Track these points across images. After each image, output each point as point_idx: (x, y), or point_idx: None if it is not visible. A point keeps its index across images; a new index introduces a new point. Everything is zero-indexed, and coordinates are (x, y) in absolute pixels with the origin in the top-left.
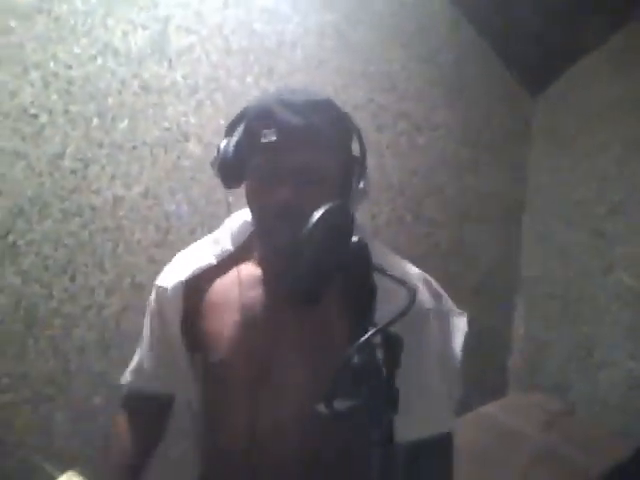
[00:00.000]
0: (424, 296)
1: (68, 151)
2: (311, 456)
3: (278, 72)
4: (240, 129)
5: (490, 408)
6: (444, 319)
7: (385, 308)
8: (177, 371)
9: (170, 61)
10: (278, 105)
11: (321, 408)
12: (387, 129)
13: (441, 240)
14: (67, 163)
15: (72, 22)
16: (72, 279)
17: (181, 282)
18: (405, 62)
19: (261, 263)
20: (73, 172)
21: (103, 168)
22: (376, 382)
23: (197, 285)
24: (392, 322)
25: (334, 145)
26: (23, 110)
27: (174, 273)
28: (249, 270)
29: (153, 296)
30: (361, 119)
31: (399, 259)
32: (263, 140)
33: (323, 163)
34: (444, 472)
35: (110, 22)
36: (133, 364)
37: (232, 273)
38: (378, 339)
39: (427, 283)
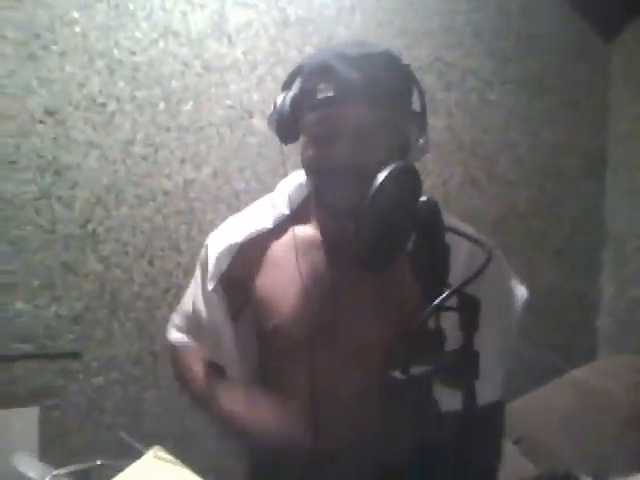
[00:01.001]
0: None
1: (138, 137)
2: (381, 425)
3: (337, 39)
4: (296, 84)
5: (580, 372)
6: (504, 283)
7: (458, 269)
8: (216, 337)
9: (230, 38)
10: (335, 59)
11: (397, 374)
12: (455, 87)
13: (519, 200)
14: (138, 149)
15: (131, 8)
16: (150, 263)
17: (235, 244)
18: (470, 15)
19: (320, 226)
20: (144, 158)
21: (172, 152)
22: (453, 346)
23: (253, 248)
24: (468, 282)
25: (393, 99)
26: (92, 100)
27: (228, 235)
28: (307, 234)
29: (202, 254)
30: (427, 79)
31: (463, 224)
32: (320, 95)
33: (382, 118)
34: (495, 440)
35: (168, 4)
36: (177, 321)
37: (289, 237)
38: (454, 301)
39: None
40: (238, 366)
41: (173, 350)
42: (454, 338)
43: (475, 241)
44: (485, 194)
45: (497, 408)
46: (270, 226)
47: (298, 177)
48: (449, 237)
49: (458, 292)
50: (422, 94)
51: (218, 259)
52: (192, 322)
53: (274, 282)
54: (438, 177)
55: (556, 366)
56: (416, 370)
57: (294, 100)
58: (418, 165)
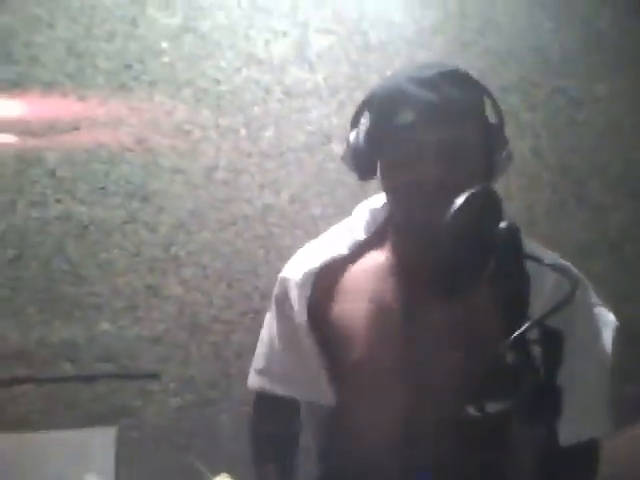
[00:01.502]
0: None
1: (220, 163)
2: (457, 461)
3: (419, 61)
4: (366, 118)
5: None
6: (592, 312)
7: (539, 300)
8: (306, 371)
9: (311, 64)
10: (407, 83)
11: (471, 410)
12: (541, 107)
13: (610, 225)
14: (220, 175)
15: (217, 37)
16: (229, 286)
17: (311, 272)
18: (556, 34)
19: (397, 252)
20: (226, 183)
21: (253, 177)
22: (534, 381)
23: (328, 276)
24: (550, 314)
25: (471, 116)
26: (178, 127)
27: (302, 263)
28: (384, 259)
29: (277, 290)
30: (512, 99)
31: (547, 251)
32: (399, 121)
33: (463, 136)
34: None
35: (252, 33)
36: (258, 365)
37: (366, 263)
38: (535, 334)
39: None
40: (334, 400)
41: (255, 399)
42: (537, 373)
43: (559, 270)
44: (574, 218)
45: (589, 449)
46: (345, 252)
47: (375, 202)
48: (531, 265)
49: (539, 324)
50: (497, 106)
51: (300, 289)
52: (275, 362)
53: (350, 313)
54: (523, 201)
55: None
56: (492, 407)
57: (368, 133)
58: (503, 188)
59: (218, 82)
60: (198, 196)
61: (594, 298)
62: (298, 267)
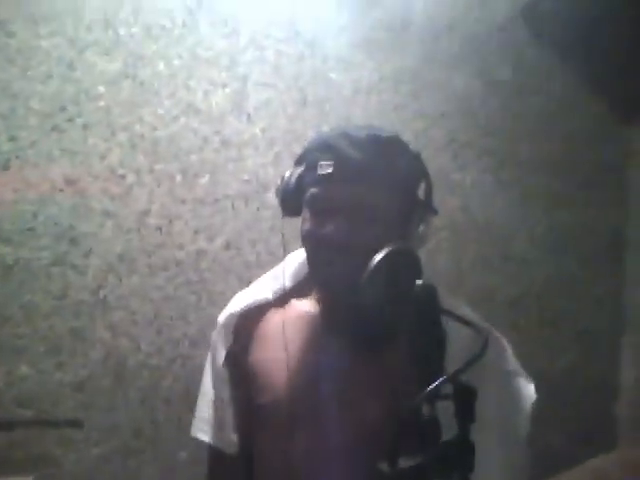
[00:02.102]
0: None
1: (154, 208)
2: None
3: (354, 120)
4: (303, 161)
5: (599, 462)
6: (508, 380)
7: (455, 356)
8: (216, 416)
9: (249, 116)
10: (338, 138)
11: (383, 466)
12: (470, 167)
13: (535, 280)
14: (153, 220)
15: (156, 85)
16: (158, 332)
17: (232, 315)
18: (486, 97)
19: (318, 302)
20: (158, 228)
21: (186, 223)
22: (446, 437)
23: (251, 320)
24: (463, 369)
25: (395, 184)
26: (112, 171)
27: (230, 307)
28: (306, 308)
29: (214, 332)
30: (442, 159)
31: (465, 306)
32: (320, 171)
33: (381, 201)
34: None
35: (192, 83)
36: (198, 413)
37: (288, 311)
38: (449, 390)
39: (493, 337)
40: (236, 448)
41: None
42: (451, 429)
43: (472, 327)
44: (500, 273)
45: None
46: (269, 299)
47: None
48: (448, 322)
49: (453, 380)
50: (429, 182)
51: (223, 332)
52: (201, 406)
53: (269, 358)
54: (452, 256)
55: (573, 454)
56: (405, 462)
57: (299, 175)
58: (433, 243)
59: (155, 128)
60: (129, 240)
61: (513, 365)
62: (226, 311)
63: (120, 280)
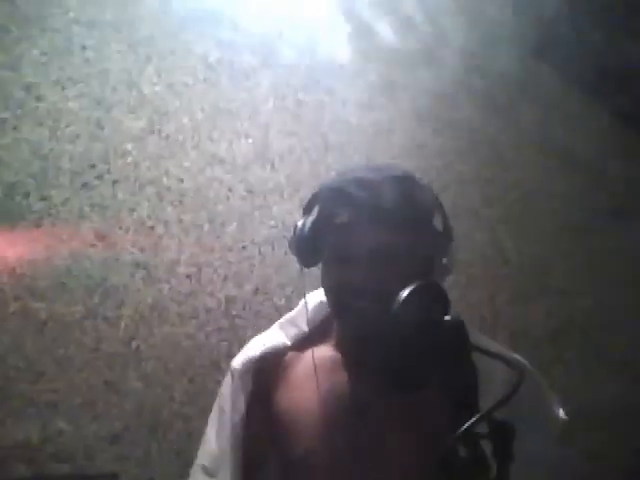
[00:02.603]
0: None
1: (183, 258)
2: None
3: (376, 161)
4: (316, 209)
5: None
6: (538, 409)
7: (489, 392)
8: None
9: (272, 164)
10: (352, 184)
11: None
12: (498, 202)
13: (575, 312)
14: (182, 269)
15: (181, 139)
16: (191, 381)
17: (250, 361)
18: (511, 131)
19: (341, 346)
20: (188, 277)
21: (215, 270)
22: (484, 477)
23: (269, 367)
24: (496, 407)
25: (413, 221)
26: (141, 223)
27: (246, 353)
28: (328, 353)
29: (225, 379)
30: (469, 195)
31: (494, 343)
32: (336, 221)
33: (401, 240)
34: None
35: (215, 135)
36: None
37: (309, 356)
38: (485, 428)
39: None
40: None
41: None
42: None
43: (505, 361)
44: (539, 306)
45: None
46: (288, 343)
47: (320, 294)
48: (479, 358)
49: (487, 418)
50: (444, 214)
51: (242, 378)
52: (217, 460)
53: (296, 407)
54: (485, 291)
55: None
56: None
57: (314, 225)
58: (464, 281)
59: (181, 180)
60: (160, 290)
61: (543, 391)
62: (239, 357)
63: (152, 330)
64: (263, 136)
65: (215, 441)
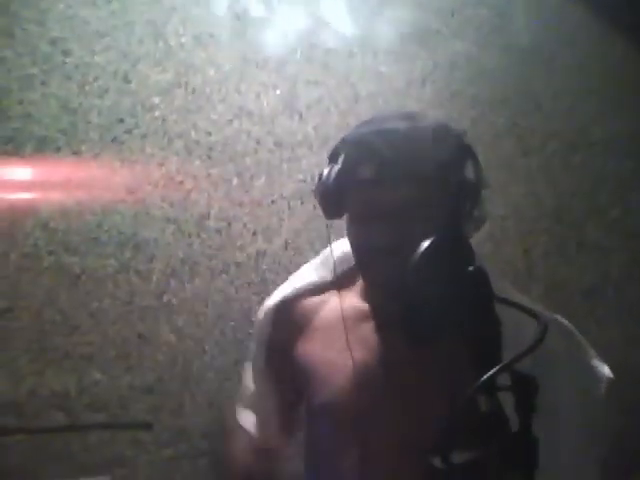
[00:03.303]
0: (553, 337)
1: (212, 212)
2: None
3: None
4: (341, 158)
5: None
6: (578, 365)
7: (512, 344)
8: (260, 411)
9: (301, 115)
10: (376, 136)
11: (436, 461)
12: (535, 152)
13: (612, 268)
14: (212, 223)
15: (208, 91)
16: (222, 334)
17: (270, 310)
18: (549, 79)
19: (366, 295)
20: (218, 231)
21: (245, 225)
22: (505, 430)
23: (289, 315)
24: (519, 358)
25: (440, 173)
26: (170, 178)
27: (269, 301)
28: (354, 302)
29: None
30: (505, 145)
31: (521, 296)
32: (360, 176)
33: (427, 195)
34: None
35: (243, 87)
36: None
37: (336, 304)
38: (508, 381)
39: (557, 322)
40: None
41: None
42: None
43: (529, 313)
44: (573, 262)
45: None
46: (311, 289)
47: (346, 243)
48: (507, 311)
49: (510, 370)
50: (477, 163)
51: (261, 327)
52: (247, 398)
53: (320, 354)
54: (520, 246)
55: None
56: (458, 458)
57: (337, 176)
58: (499, 233)
59: (209, 134)
60: (190, 244)
61: (584, 348)
62: (264, 305)
63: (183, 284)
64: (291, 87)
65: (251, 384)
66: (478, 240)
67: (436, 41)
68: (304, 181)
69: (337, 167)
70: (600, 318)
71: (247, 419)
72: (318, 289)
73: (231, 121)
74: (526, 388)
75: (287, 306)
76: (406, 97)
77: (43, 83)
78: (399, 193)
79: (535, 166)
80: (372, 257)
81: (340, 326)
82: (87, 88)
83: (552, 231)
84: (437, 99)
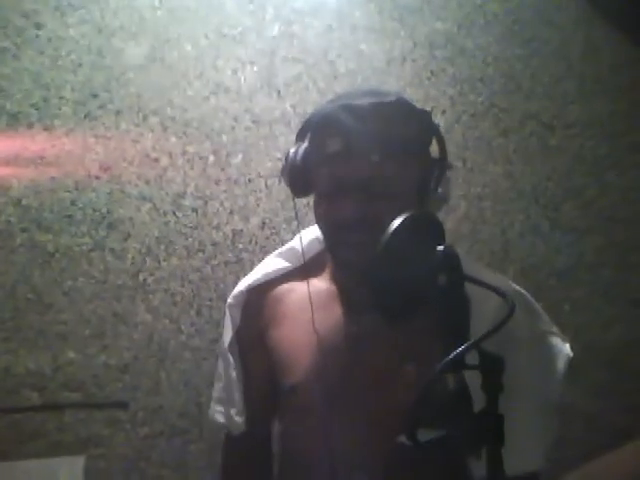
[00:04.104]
0: (516, 313)
1: (188, 190)
2: None
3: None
4: (308, 136)
5: None
6: (539, 342)
7: (481, 324)
8: (227, 397)
9: (279, 92)
10: (342, 111)
11: (403, 439)
12: (513, 132)
13: (586, 248)
14: (188, 202)
15: (184, 67)
16: (198, 313)
17: (239, 295)
18: (528, 60)
19: (335, 279)
20: (194, 210)
21: (222, 203)
22: (471, 409)
23: (262, 297)
24: (486, 336)
25: (405, 149)
26: (145, 155)
27: (238, 287)
28: (323, 286)
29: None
30: (483, 125)
31: (491, 272)
32: (326, 151)
33: (393, 170)
34: None
35: (220, 63)
36: (213, 394)
37: (303, 287)
38: (475, 360)
39: (522, 299)
40: (242, 429)
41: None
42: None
43: (496, 292)
44: (549, 242)
45: None
46: (280, 274)
47: (314, 229)
48: (476, 289)
49: (477, 349)
50: (441, 141)
51: (231, 311)
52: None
53: (289, 337)
54: (497, 226)
55: (630, 429)
56: (425, 436)
57: (305, 153)
58: (475, 213)
59: (185, 110)
60: (166, 223)
61: (546, 326)
62: (233, 292)
63: (159, 263)
64: (269, 63)
65: (223, 373)
66: (455, 220)
67: (416, 20)
68: (281, 159)
69: (304, 145)
70: (574, 299)
71: (219, 410)
72: (286, 276)
73: (208, 98)
74: (491, 367)
75: (257, 291)
76: (386, 75)
77: (15, 57)
78: (365, 167)
79: (513, 146)
80: (340, 234)
81: (309, 310)
82: (60, 62)
83: (528, 212)
84: (417, 78)
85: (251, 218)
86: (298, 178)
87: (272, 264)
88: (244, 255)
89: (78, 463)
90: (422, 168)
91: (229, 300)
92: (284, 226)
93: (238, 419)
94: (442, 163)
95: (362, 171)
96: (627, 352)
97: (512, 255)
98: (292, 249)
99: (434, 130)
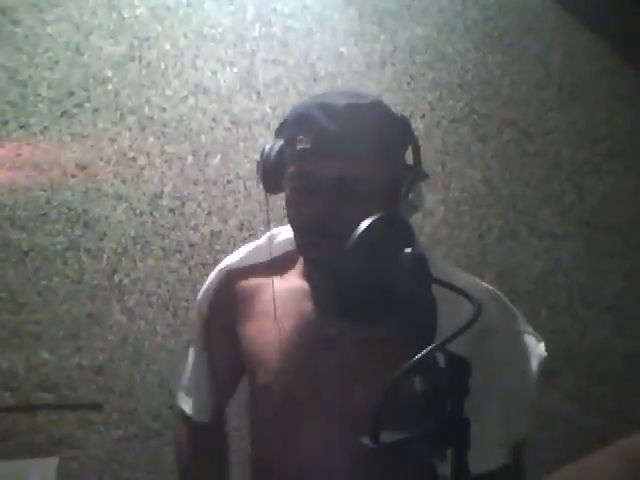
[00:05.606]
0: (490, 313)
1: (166, 190)
2: None
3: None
4: (283, 133)
5: (632, 441)
6: (513, 341)
7: (447, 326)
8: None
9: (259, 94)
10: (316, 109)
11: (366, 441)
12: (491, 139)
13: (563, 254)
14: (165, 202)
15: (163, 66)
16: (174, 315)
17: (207, 291)
18: (507, 67)
19: (306, 276)
20: (171, 210)
21: (199, 204)
22: (437, 411)
23: (228, 296)
24: (451, 339)
25: (378, 153)
26: (122, 154)
27: (210, 276)
28: (295, 282)
29: None
30: (462, 131)
31: (465, 274)
32: (298, 147)
33: (364, 173)
34: None
35: (199, 62)
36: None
37: (274, 282)
38: (442, 362)
39: (496, 299)
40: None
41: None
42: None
43: (463, 295)
44: (526, 248)
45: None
46: (251, 270)
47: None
48: (446, 292)
49: (444, 351)
50: (417, 147)
51: (201, 303)
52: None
53: (258, 334)
54: (475, 231)
55: (606, 433)
56: (389, 437)
57: (279, 150)
58: (453, 217)
59: (164, 110)
60: (142, 223)
61: (521, 326)
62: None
63: (135, 263)
64: (249, 65)
65: (192, 366)
66: (433, 224)
67: (396, 24)
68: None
69: (278, 143)
70: (551, 304)
71: (185, 401)
72: (257, 270)
73: (186, 97)
74: (458, 369)
75: (227, 284)
76: (365, 79)
77: None
78: (334, 167)
79: (491, 152)
80: (307, 234)
81: (279, 307)
82: (37, 59)
83: (506, 217)
84: (396, 82)
85: (229, 219)
86: (270, 174)
87: (245, 256)
88: (222, 256)
89: (51, 465)
90: (394, 173)
91: (199, 297)
92: (262, 228)
93: (203, 408)
94: (415, 170)
95: (331, 171)
96: (604, 357)
97: (489, 260)
98: (267, 244)
99: (410, 137)
